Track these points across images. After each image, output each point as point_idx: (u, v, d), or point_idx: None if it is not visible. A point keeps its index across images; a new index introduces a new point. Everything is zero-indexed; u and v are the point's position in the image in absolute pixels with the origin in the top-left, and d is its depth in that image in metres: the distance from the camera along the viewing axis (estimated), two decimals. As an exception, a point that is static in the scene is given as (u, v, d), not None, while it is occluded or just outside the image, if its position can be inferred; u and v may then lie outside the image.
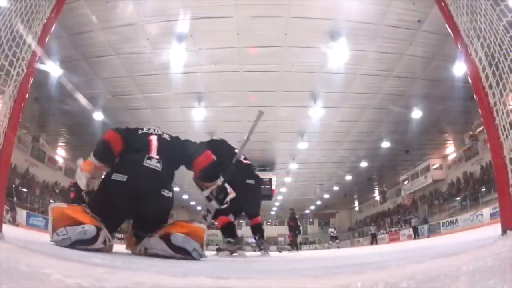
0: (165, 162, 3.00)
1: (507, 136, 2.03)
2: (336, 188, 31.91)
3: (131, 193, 2.81)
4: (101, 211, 2.78)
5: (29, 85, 2.29)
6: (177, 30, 11.45)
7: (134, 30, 11.61)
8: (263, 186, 16.11)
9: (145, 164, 2.91)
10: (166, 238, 2.75)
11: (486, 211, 16.07)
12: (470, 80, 2.36)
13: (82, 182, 3.15)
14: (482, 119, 2.27)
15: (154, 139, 3.13)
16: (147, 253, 2.85)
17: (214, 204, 3.44)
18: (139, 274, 1.36)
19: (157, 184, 2.93)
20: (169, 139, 3.28)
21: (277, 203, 35.85)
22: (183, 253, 2.72)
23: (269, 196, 22.80)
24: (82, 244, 2.55)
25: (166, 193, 2.94)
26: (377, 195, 36.35)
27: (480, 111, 2.25)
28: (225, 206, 3.48)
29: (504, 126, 2.06)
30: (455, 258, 1.45)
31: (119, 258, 2.33)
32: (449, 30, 2.57)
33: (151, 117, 17.46)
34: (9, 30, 2.16)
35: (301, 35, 11.90)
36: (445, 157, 24.50)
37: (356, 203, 40.72)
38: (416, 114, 16.77)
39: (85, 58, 13.02)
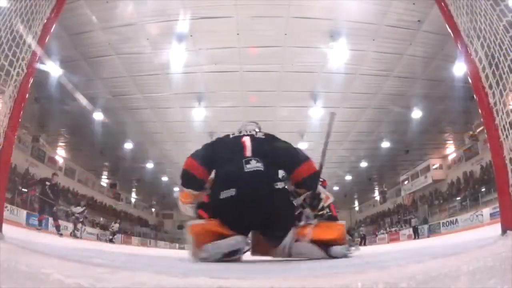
0: (264, 159, 2.84)
1: (507, 136, 2.03)
2: (336, 188, 31.87)
3: (246, 203, 2.68)
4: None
5: (29, 85, 2.29)
6: (177, 30, 11.45)
7: (134, 30, 11.61)
8: None
9: (246, 170, 2.76)
10: (322, 246, 2.72)
11: (486, 211, 16.06)
12: (470, 80, 2.36)
13: (191, 213, 3.10)
14: (482, 119, 2.27)
15: (247, 140, 2.99)
16: (291, 255, 2.79)
17: (308, 213, 3.09)
18: (139, 274, 1.36)
19: (267, 182, 2.77)
20: (263, 137, 3.11)
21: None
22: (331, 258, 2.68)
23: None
24: (232, 255, 2.72)
25: (279, 185, 2.80)
26: (377, 195, 36.33)
27: (480, 111, 2.25)
28: (321, 212, 3.20)
29: (504, 126, 2.06)
30: (455, 258, 1.45)
31: (119, 258, 2.33)
32: (449, 30, 2.57)
33: (151, 117, 17.48)
34: (9, 30, 2.16)
35: (301, 35, 11.90)
36: (445, 157, 24.49)
37: (356, 203, 40.69)
38: (416, 114, 16.77)
39: (85, 58, 13.03)
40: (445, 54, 12.32)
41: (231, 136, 3.16)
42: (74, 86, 13.84)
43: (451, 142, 22.31)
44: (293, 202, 3.03)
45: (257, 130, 3.27)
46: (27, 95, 2.27)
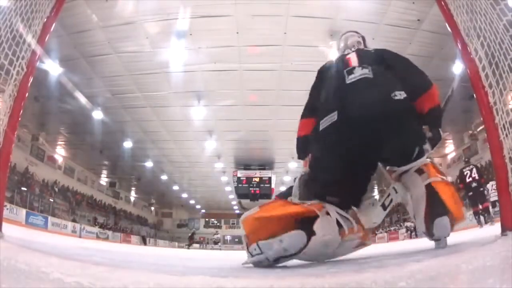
0: (376, 69, 2.20)
1: (506, 135, 2.03)
2: (335, 187, 31.87)
3: (352, 124, 2.06)
4: (323, 181, 2.25)
5: (29, 84, 2.29)
6: (176, 29, 11.43)
7: (133, 29, 11.59)
8: None
9: (348, 82, 2.16)
10: (430, 207, 2.07)
11: (486, 210, 16.03)
12: (470, 79, 2.36)
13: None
14: (481, 118, 2.27)
15: (352, 56, 2.39)
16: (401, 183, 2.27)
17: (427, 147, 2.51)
18: (138, 273, 1.36)
19: (379, 91, 2.11)
20: (373, 51, 2.49)
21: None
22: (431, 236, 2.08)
23: (268, 195, 22.86)
24: (289, 257, 2.05)
25: (398, 95, 2.11)
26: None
27: (480, 110, 2.25)
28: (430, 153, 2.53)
29: (504, 125, 2.06)
30: (454, 257, 1.45)
31: (118, 257, 2.33)
32: (449, 29, 2.57)
33: (151, 115, 17.46)
34: (9, 29, 2.16)
35: (301, 34, 11.88)
36: (444, 156, 24.48)
37: (356, 202, 40.67)
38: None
39: (84, 57, 13.00)
40: (444, 53, 12.30)
41: (334, 60, 2.62)
42: (74, 85, 13.84)
43: (451, 141, 22.30)
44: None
45: (361, 41, 2.73)
46: (27, 94, 2.27)
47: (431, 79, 2.47)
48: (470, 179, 9.51)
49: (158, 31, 11.64)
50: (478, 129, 18.71)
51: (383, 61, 2.35)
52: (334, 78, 2.31)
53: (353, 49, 2.56)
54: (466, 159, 12.31)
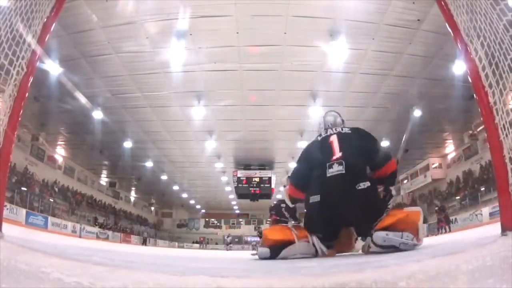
0: (350, 158, 3.03)
1: (506, 135, 2.03)
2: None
3: (329, 208, 2.95)
4: (315, 228, 3.21)
5: (29, 84, 2.29)
6: (176, 29, 11.43)
7: (133, 29, 11.59)
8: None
9: (328, 175, 3.00)
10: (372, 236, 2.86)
11: (486, 210, 16.06)
12: (470, 79, 2.36)
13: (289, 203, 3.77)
14: (481, 118, 2.27)
15: (334, 139, 3.22)
16: (369, 251, 2.99)
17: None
18: (138, 273, 1.36)
19: (348, 185, 2.93)
20: (350, 132, 3.33)
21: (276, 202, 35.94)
22: (394, 248, 2.72)
23: (268, 195, 22.85)
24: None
25: (362, 185, 2.92)
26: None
27: (479, 110, 2.25)
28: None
29: (504, 125, 2.06)
30: (455, 257, 1.45)
31: (118, 257, 2.33)
32: (449, 29, 2.57)
33: (151, 115, 17.46)
34: (9, 29, 2.16)
35: (301, 34, 11.88)
36: (444, 156, 24.47)
37: (356, 202, 40.68)
38: (416, 113, 16.71)
39: (84, 57, 13.00)
40: (444, 53, 12.29)
41: (319, 138, 3.39)
42: (74, 85, 13.83)
43: (451, 141, 22.29)
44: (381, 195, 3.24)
45: (341, 121, 3.71)
46: (27, 94, 2.27)
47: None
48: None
49: (158, 31, 11.63)
50: (478, 129, 18.71)
51: (357, 140, 3.24)
52: (319, 167, 3.10)
53: (334, 130, 3.37)
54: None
